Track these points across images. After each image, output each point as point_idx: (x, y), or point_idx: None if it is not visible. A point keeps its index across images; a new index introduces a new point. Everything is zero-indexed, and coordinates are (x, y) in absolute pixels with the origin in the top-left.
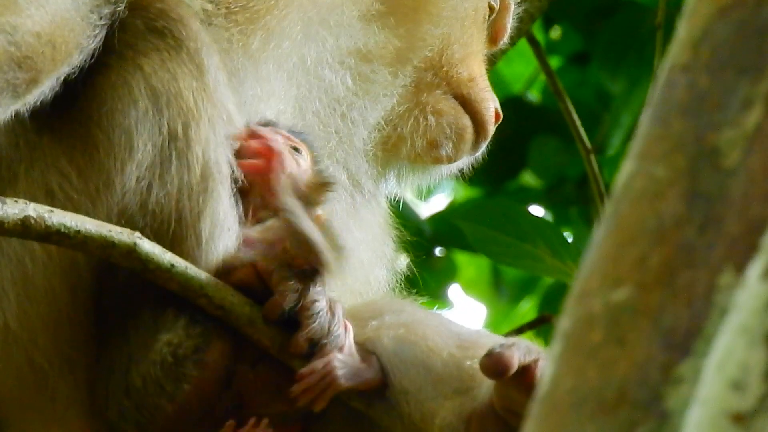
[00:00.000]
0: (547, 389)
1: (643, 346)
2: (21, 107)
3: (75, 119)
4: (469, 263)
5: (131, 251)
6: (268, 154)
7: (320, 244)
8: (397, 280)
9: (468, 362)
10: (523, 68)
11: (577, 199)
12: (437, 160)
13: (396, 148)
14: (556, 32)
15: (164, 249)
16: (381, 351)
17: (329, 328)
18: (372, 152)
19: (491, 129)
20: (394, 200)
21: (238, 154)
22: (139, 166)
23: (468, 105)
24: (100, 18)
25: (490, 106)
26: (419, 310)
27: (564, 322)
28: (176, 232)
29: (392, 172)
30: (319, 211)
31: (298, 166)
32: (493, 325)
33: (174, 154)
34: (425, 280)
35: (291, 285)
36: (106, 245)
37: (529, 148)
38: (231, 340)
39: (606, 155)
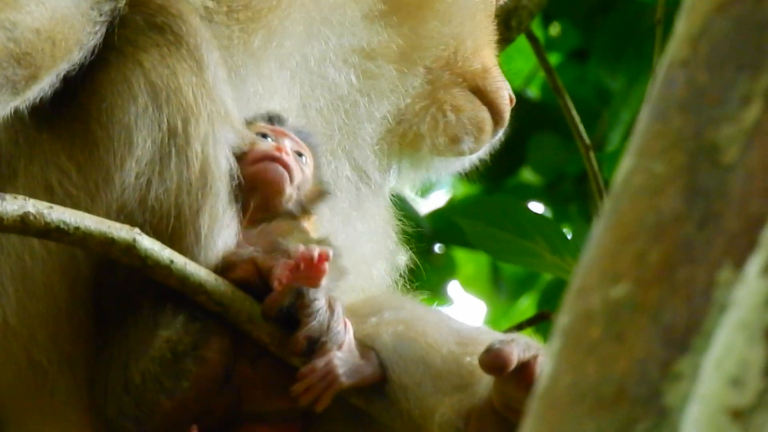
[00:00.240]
0: (546, 385)
1: (642, 342)
2: (20, 104)
3: (74, 115)
4: (468, 260)
5: (130, 247)
6: (279, 161)
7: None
8: (398, 275)
9: (467, 359)
10: (522, 65)
11: (577, 195)
12: (460, 154)
13: (415, 144)
14: (555, 29)
15: (163, 245)
16: (380, 347)
17: (328, 326)
18: (379, 145)
19: (507, 116)
20: (395, 197)
21: (246, 156)
22: (139, 162)
23: (484, 96)
24: (101, 14)
25: (505, 94)
26: (419, 307)
27: (563, 319)
28: (175, 229)
29: (403, 165)
30: (314, 217)
31: (302, 174)
32: (492, 321)
33: (173, 150)
34: (425, 276)
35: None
36: (106, 241)
37: (528, 145)
38: (230, 336)
39: (605, 152)
